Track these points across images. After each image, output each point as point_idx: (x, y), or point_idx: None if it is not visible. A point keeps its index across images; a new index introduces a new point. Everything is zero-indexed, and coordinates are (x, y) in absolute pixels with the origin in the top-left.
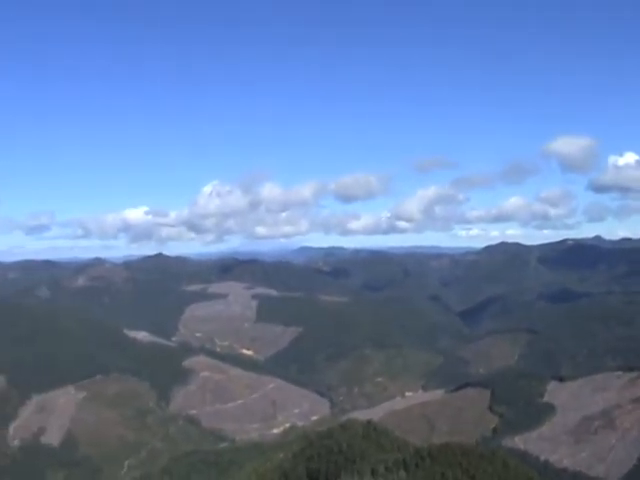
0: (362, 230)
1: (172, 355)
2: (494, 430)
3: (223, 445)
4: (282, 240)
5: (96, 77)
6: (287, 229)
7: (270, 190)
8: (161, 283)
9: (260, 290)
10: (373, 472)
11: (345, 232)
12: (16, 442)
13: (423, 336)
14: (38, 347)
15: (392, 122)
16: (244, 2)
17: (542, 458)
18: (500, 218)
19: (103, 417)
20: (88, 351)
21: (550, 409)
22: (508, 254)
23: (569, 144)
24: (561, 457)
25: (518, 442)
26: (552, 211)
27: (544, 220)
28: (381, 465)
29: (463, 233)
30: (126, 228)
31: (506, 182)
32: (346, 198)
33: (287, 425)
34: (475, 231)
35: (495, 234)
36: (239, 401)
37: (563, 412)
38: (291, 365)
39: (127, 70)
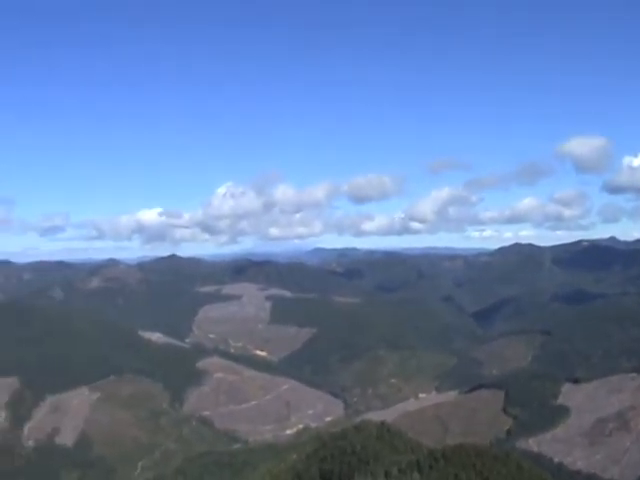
0: (376, 231)
1: (186, 356)
2: (508, 432)
3: (237, 446)
4: (296, 241)
5: (110, 79)
6: (301, 230)
7: (283, 191)
8: (175, 284)
9: (274, 291)
10: (387, 474)
11: (359, 233)
12: (30, 442)
13: (437, 337)
14: (52, 348)
15: (406, 123)
16: (261, 4)
17: (556, 460)
18: (514, 219)
19: (117, 418)
20: (102, 352)
21: (564, 411)
22: (522, 255)
23: (583, 144)
24: (575, 459)
25: (532, 444)
26: (566, 212)
27: (558, 221)
28: (395, 467)
29: (476, 234)
30: (140, 229)
31: (520, 183)
32: (359, 199)
33: (301, 426)
34: (488, 232)
35: (509, 235)
36: (253, 402)
37: (577, 414)
38: (305, 366)
39: (141, 72)
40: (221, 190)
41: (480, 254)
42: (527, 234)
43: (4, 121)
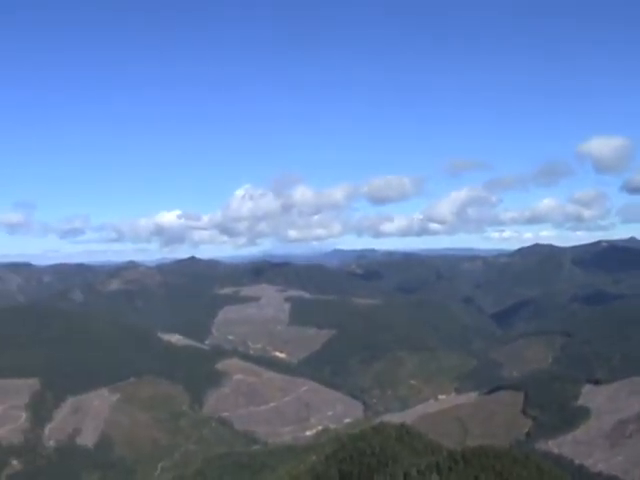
0: (395, 232)
1: (205, 358)
2: (528, 433)
3: (256, 447)
4: (315, 243)
5: (130, 83)
6: (319, 232)
7: (302, 193)
8: (194, 286)
9: (293, 293)
10: (406, 475)
11: (378, 234)
12: (52, 443)
13: (456, 338)
14: (72, 350)
15: (425, 123)
16: (279, 7)
17: (576, 462)
18: (533, 220)
19: (137, 419)
20: (122, 354)
21: (585, 412)
22: (541, 256)
23: (603, 145)
24: (596, 461)
25: (552, 446)
26: (586, 212)
27: (578, 221)
28: (414, 468)
29: (496, 235)
30: (159, 232)
31: (539, 183)
32: (378, 200)
33: (320, 428)
34: (508, 233)
35: (528, 236)
36: (272, 404)
37: (598, 415)
38: (324, 367)
39: (159, 75)
40: (240, 192)
41: (500, 255)
42: (547, 235)
43: (25, 125)
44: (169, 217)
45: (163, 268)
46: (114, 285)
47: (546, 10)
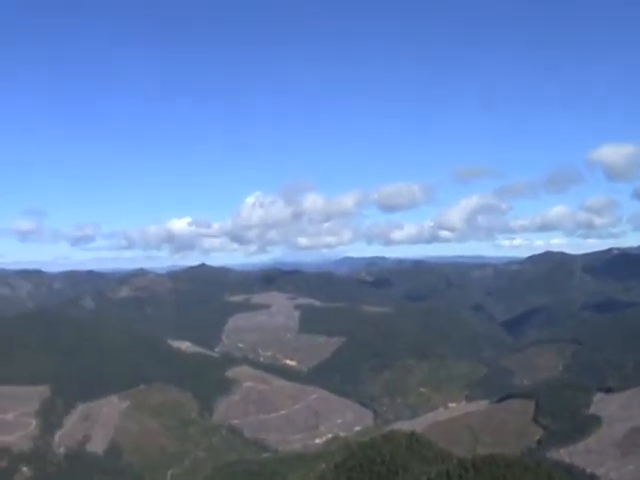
0: (405, 240)
1: (215, 365)
2: (539, 442)
3: (266, 455)
4: (325, 250)
5: (139, 89)
6: (330, 239)
7: (312, 200)
8: (204, 294)
9: (303, 300)
10: None
11: (388, 242)
12: (61, 450)
13: (466, 346)
14: (82, 357)
15: (435, 131)
16: (291, 19)
17: (588, 471)
18: (544, 227)
19: (146, 427)
20: (132, 361)
21: (596, 421)
22: (552, 264)
23: (614, 152)
24: (607, 470)
25: (563, 454)
26: (597, 220)
27: (589, 229)
28: (424, 477)
29: (506, 243)
30: (169, 239)
31: (550, 191)
32: (388, 208)
33: (330, 436)
34: (519, 241)
35: (539, 243)
36: (282, 411)
37: (610, 424)
38: (334, 375)
39: (170, 82)
40: (250, 199)
41: (510, 262)
42: (558, 242)
43: (36, 133)
44: (180, 224)
45: (173, 275)
46: (124, 292)
47: (556, 17)
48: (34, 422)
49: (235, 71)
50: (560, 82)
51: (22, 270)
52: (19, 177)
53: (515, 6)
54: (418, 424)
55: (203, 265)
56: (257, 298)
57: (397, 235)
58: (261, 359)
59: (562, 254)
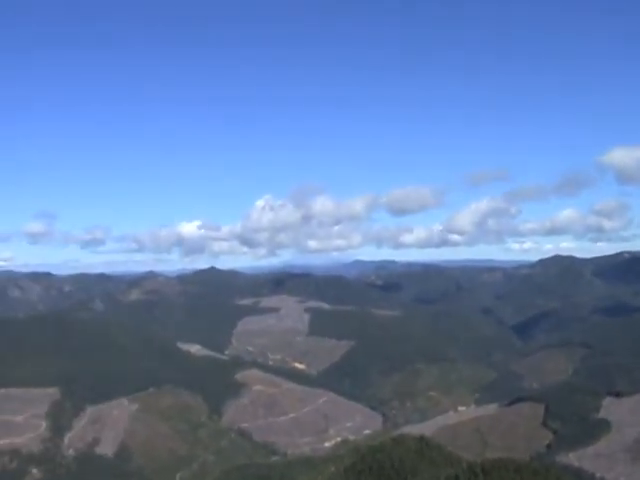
0: (414, 243)
1: (224, 368)
2: (548, 446)
3: (275, 459)
4: (334, 254)
5: (149, 93)
6: (339, 243)
7: (322, 204)
8: (214, 297)
9: (312, 304)
10: None
11: (397, 245)
12: (71, 452)
13: (476, 350)
14: (92, 359)
15: (444, 134)
16: (301, 24)
17: (597, 476)
18: (554, 231)
19: (156, 429)
20: (141, 364)
21: (606, 425)
22: (562, 267)
23: (624, 155)
24: (617, 475)
25: (573, 459)
26: (607, 223)
27: (599, 233)
28: None
29: (516, 246)
30: (179, 242)
31: (560, 194)
32: (398, 211)
33: (339, 439)
34: (528, 244)
35: (549, 247)
36: (291, 415)
37: (619, 428)
38: (343, 379)
39: (180, 86)
40: (260, 203)
41: (520, 266)
42: (568, 246)
43: (46, 136)
44: (189, 228)
45: (183, 278)
46: (134, 295)
47: (566, 20)
48: (44, 424)
49: (246, 74)
50: (570, 85)
51: (32, 273)
52: (30, 180)
53: (525, 9)
54: (427, 428)
55: (213, 268)
56: (266, 301)
57: (407, 239)
58: (270, 362)
59: (572, 258)
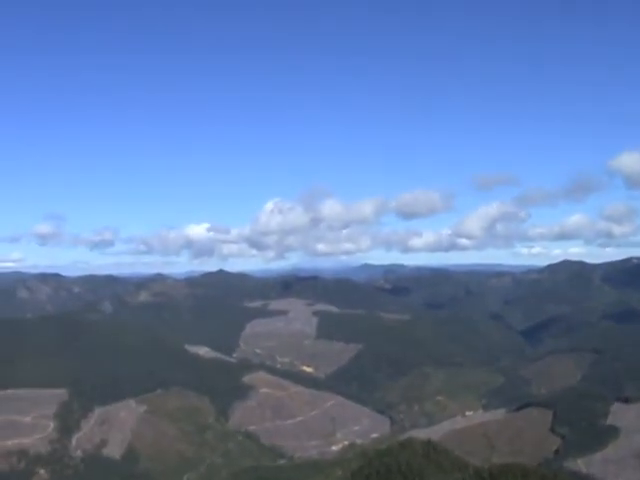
0: (423, 247)
1: (232, 371)
2: (556, 452)
3: (282, 462)
4: (343, 257)
5: (158, 96)
6: (348, 246)
7: (331, 207)
8: (222, 299)
9: (321, 307)
10: None
11: (406, 249)
12: (78, 453)
13: (484, 355)
14: (100, 361)
15: (454, 138)
16: (307, 28)
17: None
18: (563, 236)
19: (163, 431)
20: (149, 366)
21: (614, 431)
22: (571, 272)
23: (634, 160)
24: None
25: (581, 464)
26: (616, 229)
27: (608, 238)
28: None
29: (525, 251)
30: (188, 244)
31: (569, 199)
32: (407, 215)
33: (346, 442)
34: (537, 249)
35: (558, 252)
36: (299, 418)
37: (627, 434)
38: (351, 382)
39: (187, 90)
40: (269, 206)
41: (529, 271)
42: (577, 251)
43: (56, 139)
44: (198, 230)
45: (191, 281)
46: (143, 297)
47: (578, 25)
48: (52, 425)
49: (255, 77)
50: (580, 90)
51: (41, 274)
52: (40, 182)
53: (537, 12)
54: (435, 432)
55: (221, 271)
56: (275, 304)
57: (416, 243)
58: (278, 365)
59: (581, 263)
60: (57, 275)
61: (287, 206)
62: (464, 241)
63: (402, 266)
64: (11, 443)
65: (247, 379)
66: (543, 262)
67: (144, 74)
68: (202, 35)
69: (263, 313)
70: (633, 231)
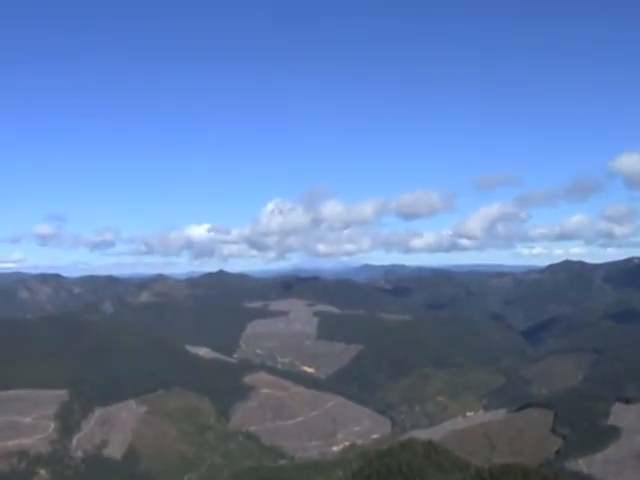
0: (424, 248)
1: (233, 371)
2: (557, 452)
3: (283, 462)
4: (344, 258)
5: (158, 97)
6: (349, 247)
7: (332, 208)
8: (223, 300)
9: (321, 307)
10: None
11: (407, 250)
12: (79, 453)
13: (485, 355)
14: (101, 361)
15: (455, 139)
16: (309, 27)
17: None
18: (564, 236)
19: (164, 432)
20: (150, 366)
21: (615, 431)
22: (572, 273)
23: (634, 160)
24: None
25: (582, 465)
26: (617, 229)
27: (609, 238)
28: None
29: (526, 251)
30: (189, 245)
31: (570, 200)
32: (408, 216)
33: (347, 443)
34: (538, 249)
35: (559, 252)
36: (299, 418)
37: (628, 434)
38: (352, 383)
39: (188, 90)
40: (269, 206)
41: (530, 271)
42: (578, 251)
43: (57, 139)
44: (199, 231)
45: (192, 281)
46: (143, 298)
47: (578, 26)
48: (52, 425)
49: (255, 78)
50: (580, 91)
51: (42, 274)
52: (40, 183)
53: (537, 13)
54: (435, 433)
55: (222, 271)
56: (275, 305)
57: (416, 243)
58: (279, 366)
59: (582, 263)
60: (58, 276)
61: (288, 207)
62: (465, 241)
63: (403, 267)
64: (12, 443)
65: (248, 379)
66: (544, 262)
67: (145, 75)
68: (204, 37)
69: (264, 314)
70: (633, 231)
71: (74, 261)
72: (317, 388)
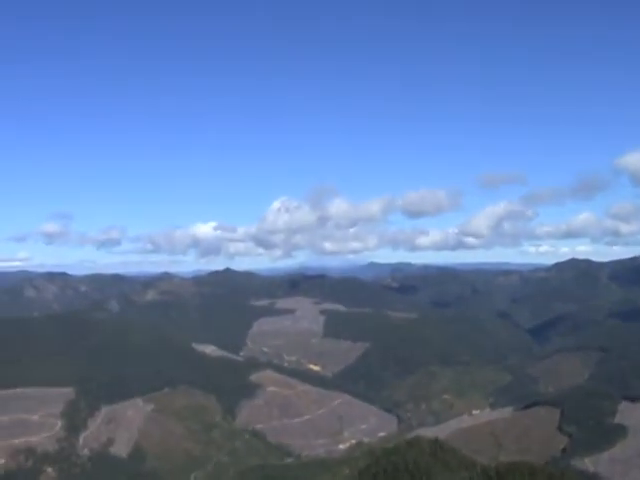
0: (430, 246)
1: (239, 369)
2: (563, 450)
3: (289, 460)
4: (350, 256)
5: (163, 96)
6: (355, 245)
7: (338, 206)
8: (229, 298)
9: (328, 305)
10: None
11: (413, 248)
12: (86, 451)
13: (491, 353)
14: (107, 359)
15: (461, 137)
16: (313, 27)
17: None
18: (570, 234)
19: (170, 430)
20: (156, 364)
21: (621, 430)
22: (578, 271)
23: None
24: None
25: (588, 463)
26: (623, 227)
27: (615, 236)
28: None
29: (532, 249)
30: (195, 243)
31: (576, 198)
32: (414, 214)
33: (353, 441)
34: (544, 247)
35: (565, 250)
36: (306, 416)
37: (635, 433)
38: (358, 381)
39: (193, 90)
40: (276, 204)
41: (536, 269)
42: (584, 249)
43: (63, 138)
44: (205, 229)
45: (198, 279)
46: (150, 296)
47: (584, 24)
48: (59, 423)
49: (261, 77)
50: (587, 89)
51: (48, 273)
52: (47, 181)
53: (541, 11)
54: (442, 431)
55: (228, 270)
56: (282, 303)
57: (422, 241)
58: (285, 364)
59: (588, 261)
60: (64, 274)
61: (294, 205)
62: (471, 240)
63: (409, 265)
64: (19, 441)
65: (254, 377)
66: (550, 260)
67: (150, 75)
68: (207, 37)
69: (270, 312)
70: None
71: (80, 259)
72: (323, 386)
